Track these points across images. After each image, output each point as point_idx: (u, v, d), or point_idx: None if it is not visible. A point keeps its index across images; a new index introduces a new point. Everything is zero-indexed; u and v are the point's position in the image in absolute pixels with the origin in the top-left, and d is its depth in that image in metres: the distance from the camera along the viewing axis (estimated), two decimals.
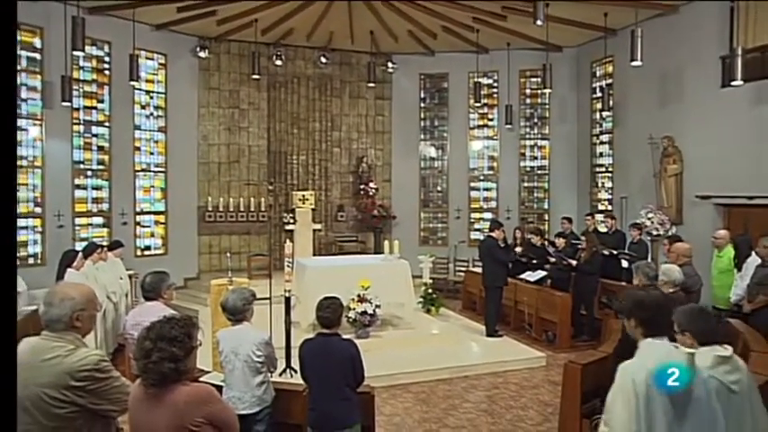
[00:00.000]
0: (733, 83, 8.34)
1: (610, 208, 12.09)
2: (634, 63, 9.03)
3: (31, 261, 9.85)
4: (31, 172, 9.96)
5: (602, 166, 12.78)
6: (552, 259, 9.49)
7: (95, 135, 11.12)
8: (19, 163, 9.77)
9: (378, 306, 8.08)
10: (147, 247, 12.12)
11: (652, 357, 2.64)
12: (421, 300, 10.05)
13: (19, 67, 9.73)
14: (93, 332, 2.97)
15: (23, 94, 9.80)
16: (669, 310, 2.87)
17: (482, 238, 10.75)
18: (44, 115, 10.04)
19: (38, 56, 9.96)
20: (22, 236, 9.77)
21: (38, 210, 10.05)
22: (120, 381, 2.61)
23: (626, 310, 2.85)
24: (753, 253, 6.78)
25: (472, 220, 14.29)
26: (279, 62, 12.87)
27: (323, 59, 13.37)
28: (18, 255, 8.66)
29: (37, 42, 9.94)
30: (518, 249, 10.18)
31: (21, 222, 9.79)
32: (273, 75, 13.32)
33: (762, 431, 2.83)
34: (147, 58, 11.90)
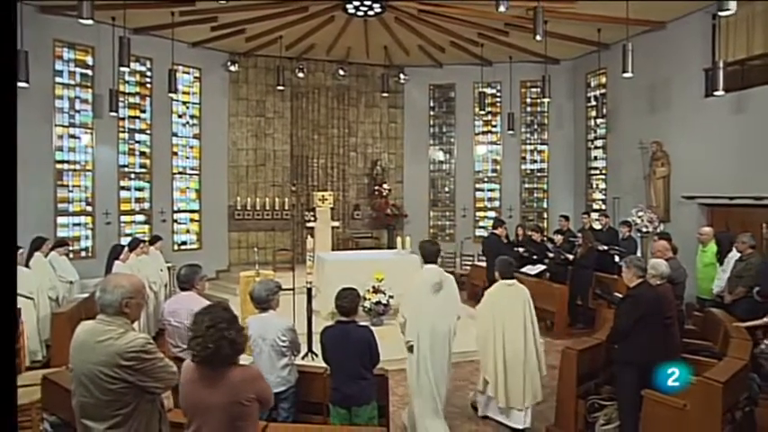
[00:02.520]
0: (715, 93, 8.25)
1: (603, 207, 12.00)
2: (625, 74, 8.95)
3: (83, 254, 10.12)
4: (82, 175, 10.21)
5: (596, 168, 12.70)
6: (551, 254, 9.46)
7: (138, 142, 11.32)
8: (72, 167, 10.07)
9: (391, 296, 8.13)
10: (184, 242, 12.29)
11: (425, 273, 4.73)
12: None
13: (73, 82, 10.00)
14: None
15: (77, 105, 10.08)
16: (435, 252, 4.87)
17: (486, 234, 10.75)
18: (94, 124, 10.28)
19: (89, 72, 10.18)
20: (75, 232, 10.09)
21: (89, 208, 10.29)
22: (164, 362, 2.68)
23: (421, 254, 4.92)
24: (733, 248, 6.74)
25: (477, 219, 14.27)
26: (301, 75, 12.95)
27: (341, 72, 13.42)
28: (71, 248, 8.88)
29: (89, 60, 10.17)
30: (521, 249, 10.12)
31: (74, 220, 10.10)
32: (296, 86, 13.41)
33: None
34: (183, 73, 12.06)
